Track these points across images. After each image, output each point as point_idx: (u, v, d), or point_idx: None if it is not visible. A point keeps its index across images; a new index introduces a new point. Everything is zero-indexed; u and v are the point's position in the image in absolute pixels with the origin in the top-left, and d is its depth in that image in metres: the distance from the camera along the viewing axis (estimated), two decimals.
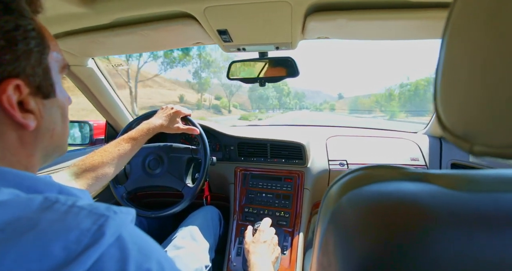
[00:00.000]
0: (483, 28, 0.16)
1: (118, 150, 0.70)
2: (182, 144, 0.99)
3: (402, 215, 0.19)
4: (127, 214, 0.26)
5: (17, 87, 0.27)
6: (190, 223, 0.90)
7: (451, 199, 0.19)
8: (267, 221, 0.78)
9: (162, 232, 0.98)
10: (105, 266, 0.21)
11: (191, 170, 0.99)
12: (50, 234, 0.21)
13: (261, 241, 0.71)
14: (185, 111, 0.89)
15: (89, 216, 0.23)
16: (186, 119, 0.90)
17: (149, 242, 0.26)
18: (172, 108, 0.87)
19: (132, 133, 0.76)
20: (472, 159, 0.91)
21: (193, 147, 0.96)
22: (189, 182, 0.94)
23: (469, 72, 0.17)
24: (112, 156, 0.68)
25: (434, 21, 0.61)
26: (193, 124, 0.91)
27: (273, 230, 0.77)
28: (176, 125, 0.85)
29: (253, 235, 0.76)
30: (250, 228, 0.78)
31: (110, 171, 0.68)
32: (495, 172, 0.21)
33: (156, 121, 0.82)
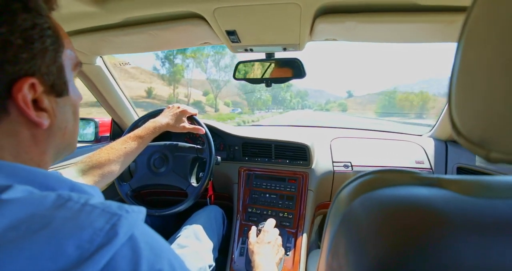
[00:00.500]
0: (504, 33, 0.16)
1: (125, 147, 0.71)
2: (186, 143, 1.00)
3: (416, 219, 0.18)
4: (139, 213, 0.26)
5: (32, 86, 0.27)
6: (193, 222, 0.90)
7: (466, 205, 0.19)
8: (271, 221, 0.78)
9: (165, 230, 0.98)
10: (118, 266, 0.21)
11: (195, 169, 0.99)
12: (64, 233, 0.21)
13: (265, 242, 0.71)
14: (191, 110, 0.89)
15: (101, 215, 0.23)
16: (192, 119, 0.91)
17: (160, 241, 0.26)
18: (178, 107, 0.88)
19: (138, 131, 0.76)
20: (478, 163, 0.90)
21: (198, 146, 0.97)
22: (193, 181, 0.95)
23: (488, 77, 0.17)
24: (118, 153, 0.69)
25: (443, 24, 0.61)
26: (199, 124, 0.91)
27: (277, 231, 0.77)
28: (182, 124, 0.85)
29: (257, 236, 0.76)
30: (254, 228, 0.78)
31: (116, 169, 0.68)
32: (510, 179, 0.21)
33: (162, 120, 0.82)
